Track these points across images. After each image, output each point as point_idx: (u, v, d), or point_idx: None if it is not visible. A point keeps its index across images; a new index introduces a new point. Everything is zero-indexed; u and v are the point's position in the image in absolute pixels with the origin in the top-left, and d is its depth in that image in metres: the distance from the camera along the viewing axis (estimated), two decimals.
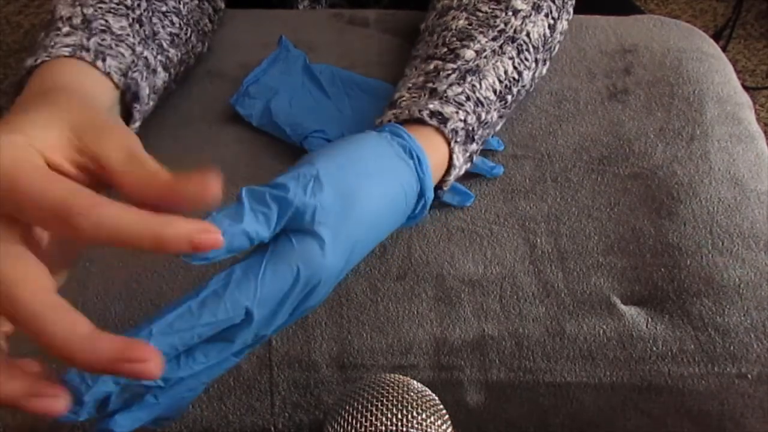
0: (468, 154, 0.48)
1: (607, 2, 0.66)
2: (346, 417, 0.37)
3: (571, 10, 0.58)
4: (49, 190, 0.27)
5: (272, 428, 0.44)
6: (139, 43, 0.48)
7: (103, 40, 0.45)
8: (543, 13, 0.53)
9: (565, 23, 0.57)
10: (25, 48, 1.51)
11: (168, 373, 0.32)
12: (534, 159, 0.55)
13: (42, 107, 0.32)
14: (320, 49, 0.61)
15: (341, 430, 0.37)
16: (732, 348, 0.46)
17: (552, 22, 0.54)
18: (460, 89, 0.47)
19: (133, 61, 0.47)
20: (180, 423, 0.43)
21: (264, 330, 0.35)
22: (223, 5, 0.63)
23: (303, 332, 0.46)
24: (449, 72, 0.48)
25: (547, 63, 0.56)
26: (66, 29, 0.44)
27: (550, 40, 0.55)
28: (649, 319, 0.47)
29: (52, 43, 0.42)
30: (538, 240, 0.50)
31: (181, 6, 0.56)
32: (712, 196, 0.52)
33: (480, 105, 0.48)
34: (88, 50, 0.43)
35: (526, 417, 0.45)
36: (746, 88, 0.62)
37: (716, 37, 1.44)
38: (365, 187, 0.39)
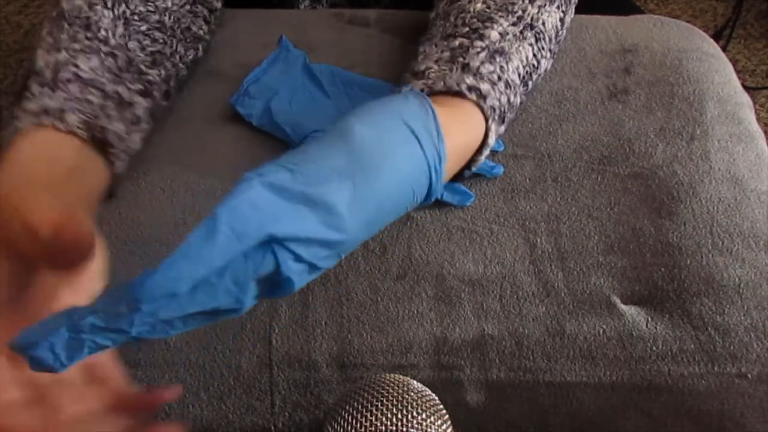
0: (496, 135, 0.47)
1: (607, 2, 0.66)
2: (346, 417, 0.37)
3: (573, 8, 0.58)
4: None
5: (272, 428, 0.44)
6: (111, 81, 0.49)
7: (67, 92, 0.46)
8: (555, 5, 0.54)
9: (569, 19, 0.57)
10: (25, 48, 1.50)
11: (141, 334, 0.32)
12: (534, 159, 0.55)
13: None
14: (320, 48, 0.61)
15: (341, 429, 0.37)
16: (732, 348, 0.46)
17: (562, 15, 0.55)
18: (492, 68, 0.46)
19: (101, 105, 0.48)
20: (180, 422, 0.43)
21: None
22: (219, 5, 0.63)
23: (303, 332, 0.46)
24: (478, 50, 0.47)
25: (554, 58, 0.56)
26: (35, 88, 0.46)
27: (560, 32, 0.55)
28: (649, 319, 0.47)
29: (18, 114, 0.45)
30: (538, 240, 0.50)
31: (166, 18, 0.56)
32: (712, 195, 0.52)
33: (508, 87, 0.47)
34: (47, 113, 0.45)
35: (526, 417, 0.45)
36: (746, 88, 0.62)
37: (716, 37, 1.44)
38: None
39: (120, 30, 0.52)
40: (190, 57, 0.58)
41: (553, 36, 0.53)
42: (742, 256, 0.49)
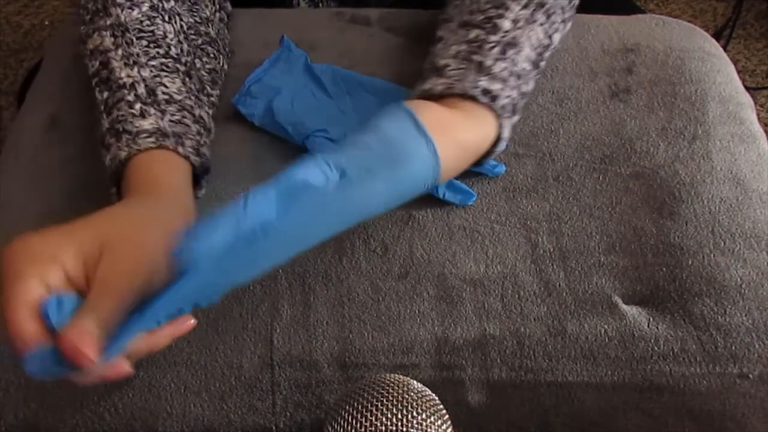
0: (511, 127, 0.50)
1: (608, 2, 0.66)
2: (347, 417, 0.37)
3: None
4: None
5: (274, 427, 0.44)
6: (195, 104, 0.51)
7: (173, 115, 0.48)
8: None
9: None
10: (25, 48, 1.50)
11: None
12: (536, 158, 0.55)
13: (99, 224, 0.40)
14: (322, 48, 0.61)
15: (341, 429, 0.36)
16: (733, 348, 0.45)
17: None
18: (504, 65, 0.49)
19: (198, 131, 0.49)
20: (182, 422, 0.43)
21: None
22: (230, 8, 0.63)
23: (304, 332, 0.46)
24: (492, 45, 0.49)
25: (571, 21, 0.57)
26: (138, 106, 0.47)
27: None
28: (651, 319, 0.47)
29: (134, 129, 0.46)
30: (540, 239, 0.50)
31: (211, 30, 0.56)
32: (713, 195, 0.52)
33: (519, 78, 0.49)
34: (167, 136, 0.46)
35: (528, 416, 0.45)
36: (746, 88, 0.62)
37: (716, 37, 1.44)
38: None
39: (185, 47, 0.52)
40: (226, 71, 0.58)
41: (567, 4, 0.54)
42: (744, 256, 0.49)
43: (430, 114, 0.45)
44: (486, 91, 0.47)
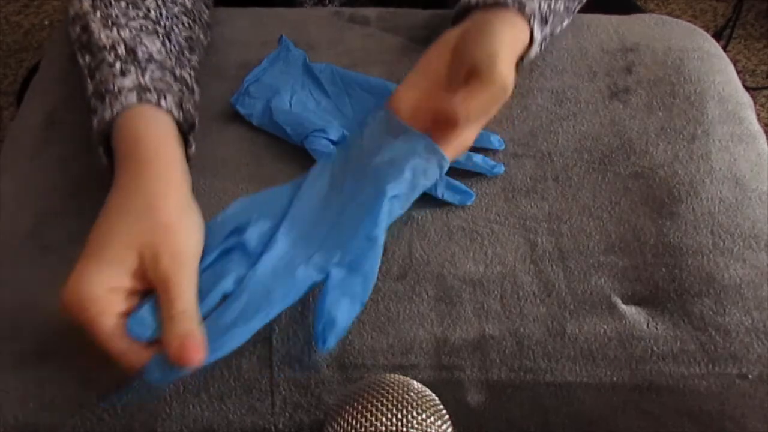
0: (543, 35, 0.54)
1: (608, 2, 0.66)
2: (347, 417, 0.37)
3: None
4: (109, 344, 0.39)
5: (273, 428, 0.44)
6: (175, 64, 0.51)
7: (153, 73, 0.48)
8: None
9: None
10: (25, 48, 1.50)
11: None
12: (535, 158, 0.55)
13: (121, 227, 0.42)
14: (320, 47, 0.61)
15: (341, 430, 0.36)
16: (733, 348, 0.45)
17: None
18: None
19: (180, 89, 0.49)
20: (181, 423, 0.43)
21: None
22: None
23: (304, 332, 0.46)
24: None
25: None
26: (118, 66, 0.48)
27: None
28: (650, 319, 0.47)
29: (115, 89, 0.46)
30: (539, 239, 0.50)
31: (187, 1, 0.56)
32: (713, 195, 0.52)
33: None
34: (149, 90, 0.47)
35: (527, 417, 0.45)
36: (746, 88, 0.62)
37: (716, 37, 1.44)
38: None
39: (164, 12, 0.53)
40: (205, 44, 0.58)
41: None
42: (743, 256, 0.49)
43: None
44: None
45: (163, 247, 0.41)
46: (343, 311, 0.42)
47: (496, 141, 0.55)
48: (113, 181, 0.45)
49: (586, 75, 0.60)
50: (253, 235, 0.45)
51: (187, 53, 0.54)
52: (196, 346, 0.39)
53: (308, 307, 0.47)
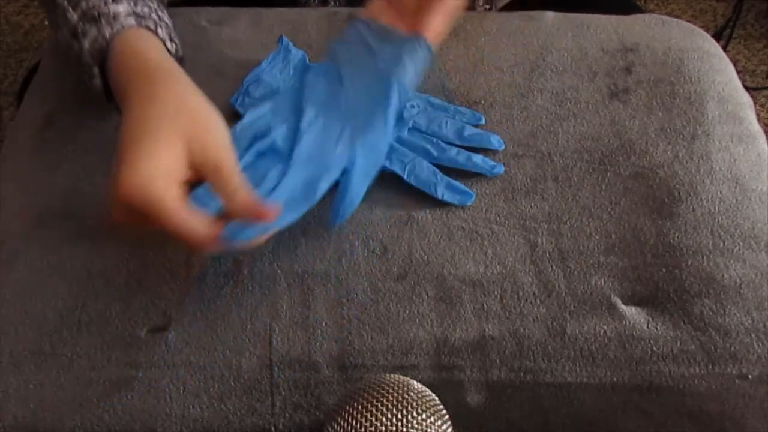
0: None
1: (608, 2, 0.66)
2: (347, 417, 0.37)
3: None
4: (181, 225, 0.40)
5: (273, 429, 0.44)
6: (158, 7, 0.52)
7: (142, 7, 0.49)
8: None
9: None
10: (25, 48, 1.50)
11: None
12: (535, 158, 0.55)
13: (160, 121, 0.42)
14: (319, 47, 0.61)
15: (341, 430, 0.36)
16: (733, 348, 0.45)
17: None
18: None
19: (167, 26, 0.51)
20: (181, 423, 0.43)
21: None
22: None
23: (303, 332, 0.46)
24: None
25: None
26: None
27: None
28: (650, 320, 0.47)
29: (110, 12, 0.48)
30: (539, 240, 0.50)
31: None
32: (713, 195, 0.52)
33: None
34: (145, 18, 0.48)
35: (527, 417, 0.45)
36: (746, 89, 0.62)
37: (716, 37, 1.44)
38: None
39: None
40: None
41: None
42: (743, 256, 0.49)
43: None
44: None
45: (209, 139, 0.43)
46: (359, 191, 0.49)
47: (496, 141, 0.55)
48: (128, 94, 0.45)
49: (586, 75, 0.60)
50: (278, 137, 0.51)
51: (162, 4, 0.55)
52: (266, 204, 0.42)
53: (308, 307, 0.47)
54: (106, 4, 0.48)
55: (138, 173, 0.40)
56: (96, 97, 0.50)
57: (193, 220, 0.41)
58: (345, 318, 0.46)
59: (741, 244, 0.50)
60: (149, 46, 0.48)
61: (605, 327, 0.46)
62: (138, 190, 0.40)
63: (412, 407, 0.37)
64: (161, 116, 0.43)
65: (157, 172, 0.40)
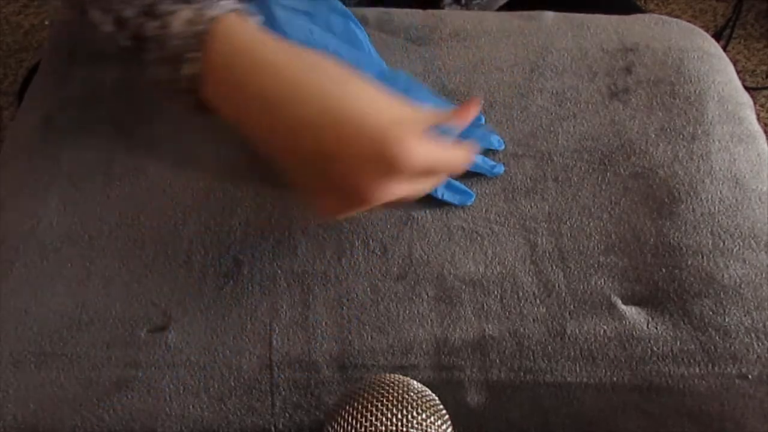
0: None
1: (608, 2, 0.66)
2: (347, 417, 0.37)
3: None
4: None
5: (273, 428, 0.44)
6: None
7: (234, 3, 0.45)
8: None
9: None
10: (25, 48, 1.50)
11: None
12: (535, 158, 0.55)
13: (358, 84, 0.41)
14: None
15: (341, 430, 0.36)
16: (733, 348, 0.45)
17: None
18: None
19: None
20: (181, 424, 0.43)
21: None
22: None
23: (303, 332, 0.46)
24: None
25: None
26: None
27: None
28: (650, 320, 0.47)
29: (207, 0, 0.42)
30: (539, 240, 0.50)
31: None
32: (713, 195, 0.52)
33: None
34: (239, 5, 0.44)
35: (527, 417, 0.45)
36: (746, 89, 0.62)
37: (716, 37, 1.44)
38: None
39: None
40: None
41: None
42: (743, 256, 0.49)
43: None
44: None
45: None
46: None
47: (496, 141, 0.55)
48: (282, 100, 0.41)
49: (586, 75, 0.60)
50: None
51: None
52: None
53: (308, 307, 0.47)
54: None
55: (392, 116, 0.39)
56: (164, 92, 0.44)
57: (449, 146, 0.42)
58: (345, 318, 0.46)
59: (741, 244, 0.50)
60: (258, 28, 0.43)
61: (605, 327, 0.46)
62: (402, 126, 0.39)
63: (412, 407, 0.37)
64: (351, 80, 0.41)
65: (403, 114, 0.40)
